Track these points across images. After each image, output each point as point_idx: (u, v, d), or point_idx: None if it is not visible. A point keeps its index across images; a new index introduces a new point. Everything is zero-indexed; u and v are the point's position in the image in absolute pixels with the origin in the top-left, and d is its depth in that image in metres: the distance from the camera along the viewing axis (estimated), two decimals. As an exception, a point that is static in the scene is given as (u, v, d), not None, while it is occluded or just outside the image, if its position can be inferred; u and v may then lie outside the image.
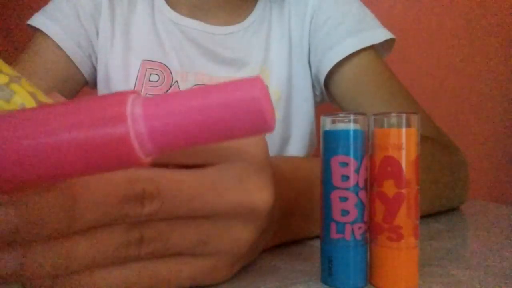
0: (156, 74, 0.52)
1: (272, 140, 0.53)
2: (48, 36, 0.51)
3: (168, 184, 0.16)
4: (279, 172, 0.24)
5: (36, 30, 0.52)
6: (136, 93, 0.10)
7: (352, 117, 0.19)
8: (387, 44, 0.54)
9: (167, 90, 0.52)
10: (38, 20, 0.52)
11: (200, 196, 0.16)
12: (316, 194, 0.26)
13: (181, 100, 0.10)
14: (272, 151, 0.53)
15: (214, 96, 0.10)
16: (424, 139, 0.40)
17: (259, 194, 0.18)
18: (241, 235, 0.18)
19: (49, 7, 0.53)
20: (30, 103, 0.17)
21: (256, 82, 0.10)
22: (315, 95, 0.58)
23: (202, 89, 0.10)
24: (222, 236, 0.18)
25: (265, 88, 0.10)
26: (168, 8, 0.55)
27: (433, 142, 0.42)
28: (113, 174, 0.14)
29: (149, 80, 0.52)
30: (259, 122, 0.10)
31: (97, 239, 0.15)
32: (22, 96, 0.17)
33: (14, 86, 0.17)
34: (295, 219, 0.26)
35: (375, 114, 0.19)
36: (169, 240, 0.17)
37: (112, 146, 0.09)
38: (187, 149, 0.11)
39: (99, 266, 0.16)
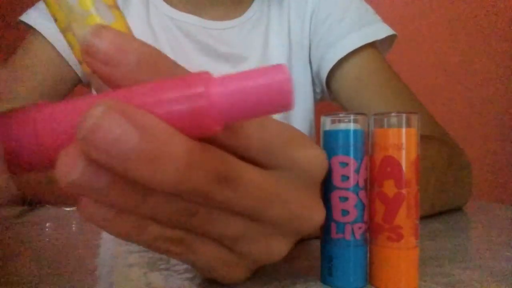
0: None
1: None
2: (41, 34, 0.50)
3: (247, 182, 0.15)
4: None
5: (28, 27, 0.51)
6: (208, 74, 0.13)
7: (352, 117, 0.19)
8: (388, 41, 0.54)
9: None
10: (31, 18, 0.51)
11: (265, 200, 0.15)
12: None
13: (239, 81, 0.13)
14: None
15: (261, 78, 0.13)
16: (428, 138, 0.40)
17: (316, 213, 0.18)
18: (278, 247, 0.18)
19: (41, 5, 0.52)
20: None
21: (284, 68, 0.13)
22: (315, 92, 0.58)
23: (250, 73, 0.13)
24: (261, 241, 0.17)
25: (290, 73, 0.13)
26: (163, 3, 0.55)
27: (438, 142, 0.42)
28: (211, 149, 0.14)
29: None
30: (286, 101, 0.13)
31: (166, 200, 0.14)
32: (120, 25, 0.18)
33: (116, 12, 0.18)
34: None
35: (375, 114, 0.19)
36: (215, 225, 0.16)
37: (196, 118, 0.12)
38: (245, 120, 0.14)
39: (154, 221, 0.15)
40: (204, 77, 0.13)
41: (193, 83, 0.13)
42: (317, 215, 0.18)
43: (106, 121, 0.11)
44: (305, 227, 0.17)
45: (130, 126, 0.11)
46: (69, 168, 0.12)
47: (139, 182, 0.12)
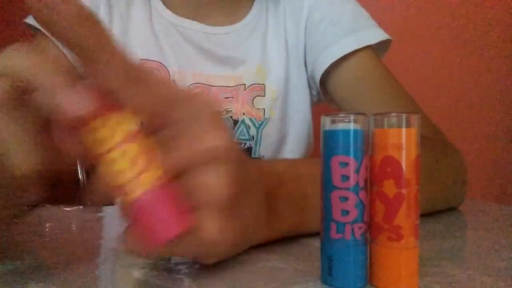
0: None
1: (269, 139, 0.54)
2: (47, 36, 0.51)
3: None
4: (265, 166, 0.26)
5: (34, 29, 0.52)
6: None
7: (352, 117, 0.19)
8: (383, 44, 0.54)
9: None
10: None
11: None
12: (310, 190, 0.27)
13: None
14: (269, 150, 0.54)
15: None
16: (422, 139, 0.40)
17: (217, 137, 0.19)
18: (215, 181, 0.19)
19: None
20: None
21: None
22: (311, 95, 0.59)
23: None
24: (200, 185, 0.19)
25: None
26: (165, 8, 0.56)
27: (431, 142, 0.42)
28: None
29: None
30: None
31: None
32: None
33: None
34: (286, 213, 0.26)
35: (375, 114, 0.19)
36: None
37: None
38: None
39: None
40: None
41: None
42: (217, 139, 0.19)
43: None
44: (218, 153, 0.19)
45: None
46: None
47: None
